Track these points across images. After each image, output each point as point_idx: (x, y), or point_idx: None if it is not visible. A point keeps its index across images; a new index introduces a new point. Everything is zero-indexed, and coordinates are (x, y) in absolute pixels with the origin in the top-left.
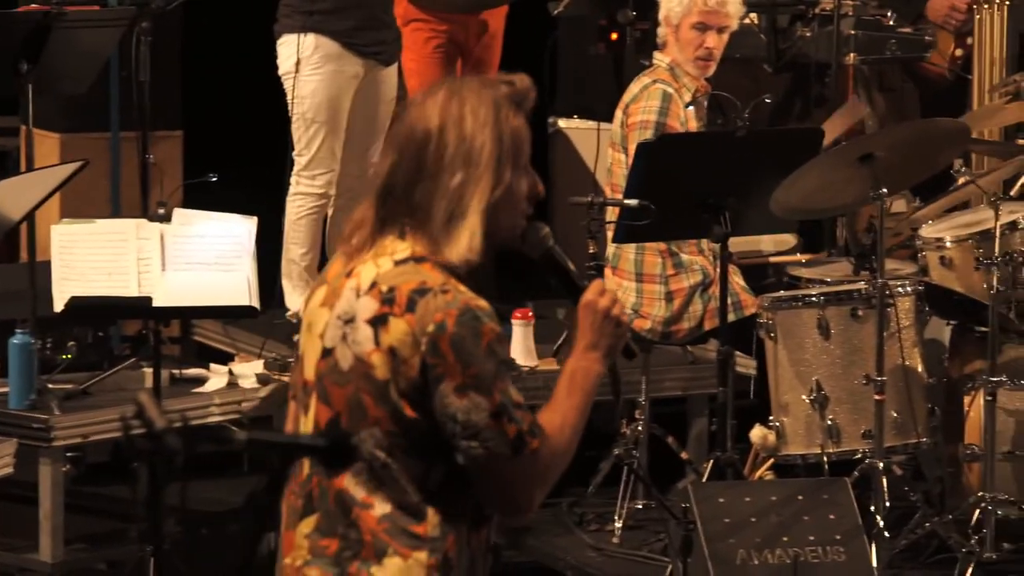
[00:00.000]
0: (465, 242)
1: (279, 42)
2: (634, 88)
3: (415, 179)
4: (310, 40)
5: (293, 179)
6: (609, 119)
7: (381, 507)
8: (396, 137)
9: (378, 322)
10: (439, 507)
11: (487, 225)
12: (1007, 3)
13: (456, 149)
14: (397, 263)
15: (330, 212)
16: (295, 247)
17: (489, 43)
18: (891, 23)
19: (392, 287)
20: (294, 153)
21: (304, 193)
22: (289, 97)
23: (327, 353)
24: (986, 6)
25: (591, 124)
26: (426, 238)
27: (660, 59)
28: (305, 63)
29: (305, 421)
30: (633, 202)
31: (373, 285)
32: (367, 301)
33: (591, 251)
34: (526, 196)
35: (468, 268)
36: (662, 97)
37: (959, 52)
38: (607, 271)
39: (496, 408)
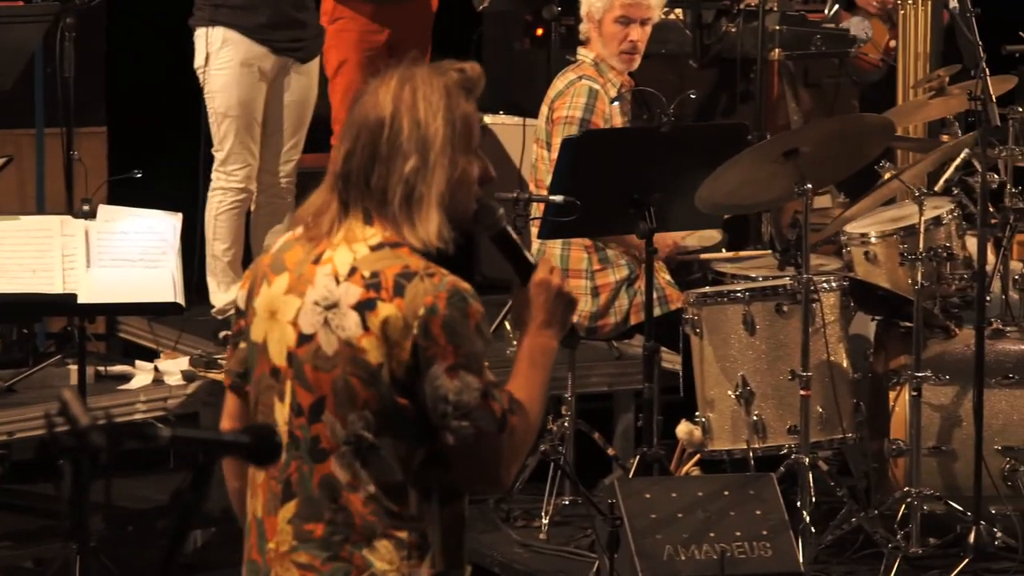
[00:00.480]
0: (429, 227)
1: (194, 37)
2: (559, 84)
3: (370, 165)
4: (218, 34)
5: (213, 175)
6: (534, 115)
7: (365, 489)
8: (351, 124)
9: (365, 307)
10: (418, 486)
11: (444, 209)
12: None
13: (409, 135)
14: (372, 248)
15: (252, 208)
16: (217, 243)
17: (420, 37)
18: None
19: (375, 272)
20: (213, 148)
21: (223, 188)
22: (204, 92)
23: (306, 339)
24: (910, 2)
25: (516, 120)
26: (390, 223)
27: (584, 55)
28: (214, 57)
29: (282, 407)
30: (558, 198)
31: (353, 271)
32: (349, 287)
33: None
34: (477, 179)
35: (430, 252)
36: (587, 93)
37: (893, 43)
38: None
39: (485, 387)
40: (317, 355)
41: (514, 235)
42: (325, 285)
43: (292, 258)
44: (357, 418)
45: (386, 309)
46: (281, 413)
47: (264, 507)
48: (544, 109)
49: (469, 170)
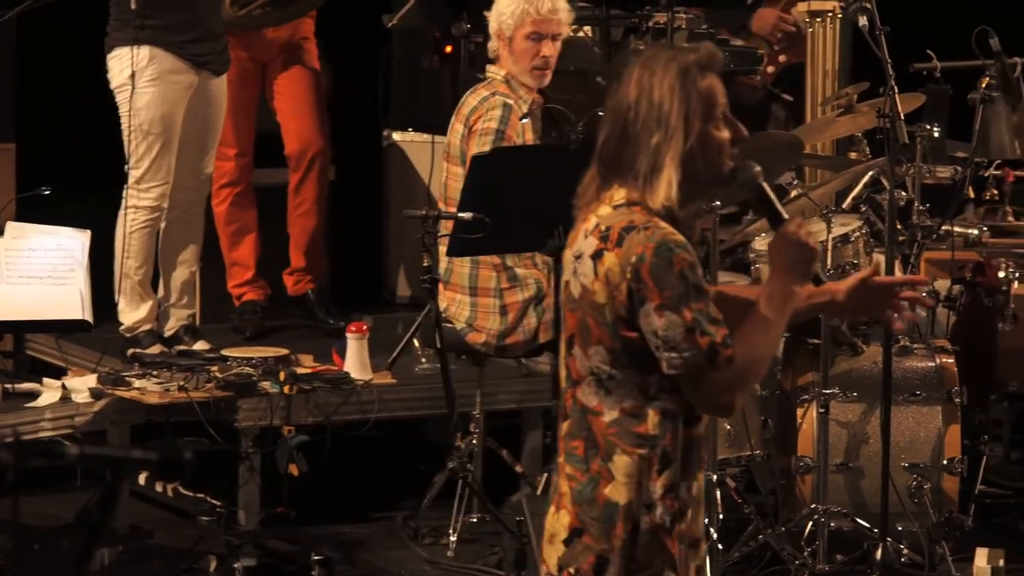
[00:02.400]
0: (663, 191)
1: (110, 55)
2: (472, 101)
3: (622, 144)
4: (144, 52)
5: (126, 192)
6: (444, 132)
7: (610, 413)
8: (608, 112)
9: (597, 256)
10: (657, 409)
11: (684, 173)
12: (839, 17)
13: (648, 114)
14: (615, 207)
15: (162, 226)
16: (130, 261)
17: (295, 52)
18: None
19: (608, 227)
20: (127, 166)
21: (137, 207)
22: (123, 110)
23: (566, 285)
24: (818, 20)
25: (426, 137)
26: (636, 190)
27: (495, 72)
28: (140, 75)
29: (562, 344)
30: (467, 215)
31: (596, 226)
32: (591, 240)
33: (425, 264)
34: (728, 141)
35: (670, 212)
36: (503, 108)
37: (771, 68)
38: (440, 287)
39: (689, 324)
40: (569, 298)
41: (769, 191)
42: (579, 239)
43: (577, 225)
44: (595, 352)
45: (610, 258)
46: (562, 348)
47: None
48: (457, 126)
49: (714, 135)
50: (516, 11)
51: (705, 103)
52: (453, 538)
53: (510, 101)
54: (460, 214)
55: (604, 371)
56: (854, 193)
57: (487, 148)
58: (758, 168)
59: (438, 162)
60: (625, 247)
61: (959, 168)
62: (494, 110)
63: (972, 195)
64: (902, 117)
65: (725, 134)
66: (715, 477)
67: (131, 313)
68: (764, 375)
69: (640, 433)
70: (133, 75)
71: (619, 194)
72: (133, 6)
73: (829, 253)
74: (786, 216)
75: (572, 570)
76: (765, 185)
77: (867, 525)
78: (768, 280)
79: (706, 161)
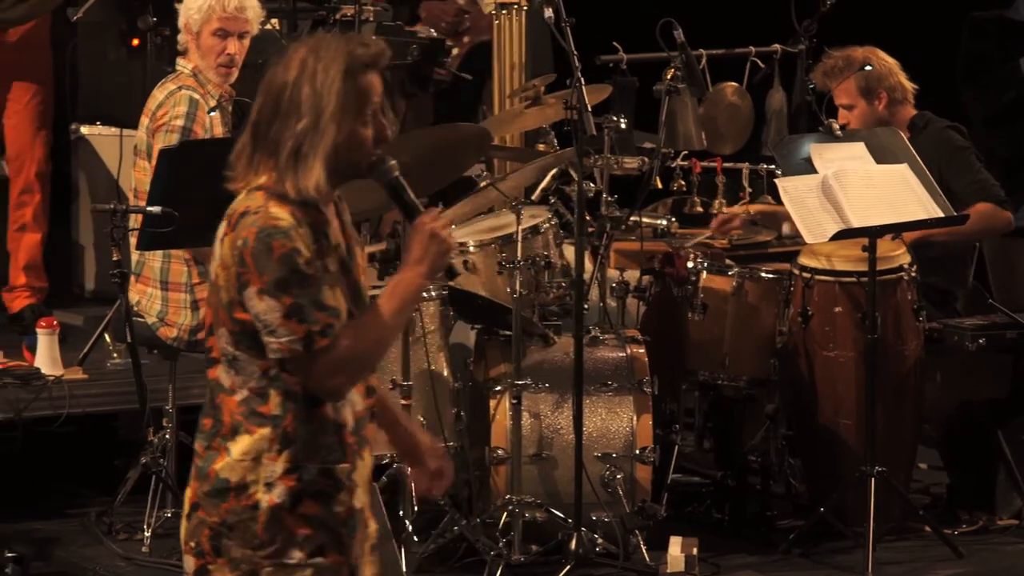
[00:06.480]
0: (309, 180)
1: None
2: (159, 95)
3: (272, 119)
4: None
5: None
6: (132, 125)
7: (240, 393)
8: (265, 81)
9: (222, 240)
10: (279, 389)
11: (330, 165)
12: (525, 8)
13: (305, 98)
14: (248, 192)
15: None
16: None
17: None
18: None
19: (234, 210)
20: None
21: None
22: None
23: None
24: (504, 12)
25: (114, 131)
26: (274, 171)
27: (183, 65)
28: None
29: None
30: (156, 209)
31: (232, 211)
32: (222, 225)
33: (115, 259)
34: (372, 140)
35: (303, 199)
36: (188, 102)
37: (455, 51)
38: (132, 280)
39: (287, 310)
40: (210, 281)
41: (404, 186)
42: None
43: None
44: (224, 333)
45: (227, 242)
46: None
47: None
48: (144, 120)
49: (360, 132)
50: (203, 7)
51: (360, 101)
52: (147, 533)
53: (196, 96)
54: (149, 208)
55: (230, 352)
56: (543, 185)
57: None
58: (394, 162)
59: (127, 155)
60: (237, 231)
61: (646, 159)
62: (179, 106)
63: (660, 186)
64: (589, 109)
65: (370, 132)
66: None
67: None
68: (377, 361)
69: (262, 413)
70: None
71: (257, 178)
72: None
73: (520, 244)
74: (421, 209)
75: (193, 544)
76: (401, 179)
77: (561, 515)
78: (398, 270)
79: (348, 156)
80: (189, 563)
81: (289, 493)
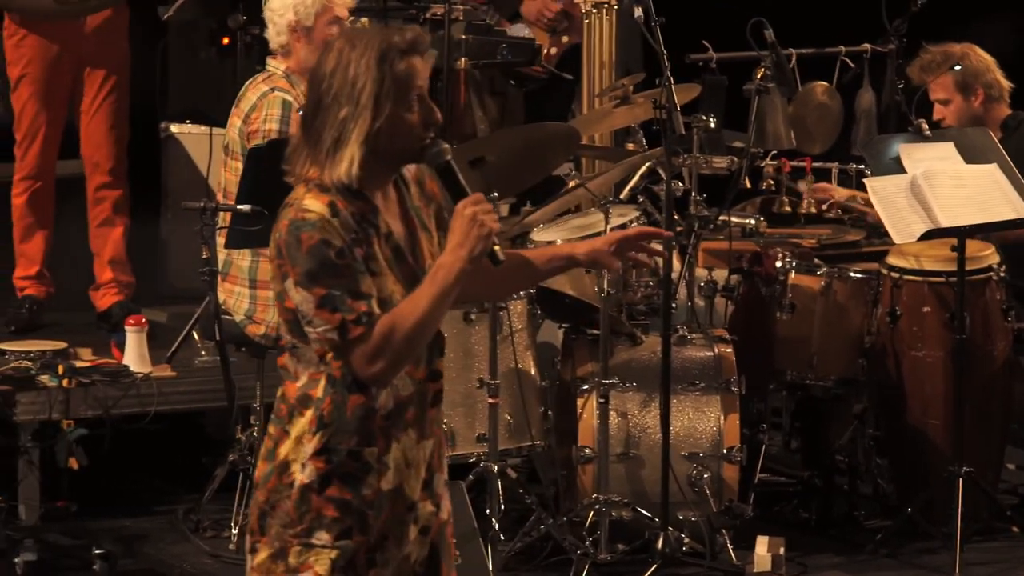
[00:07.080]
0: (343, 167)
1: None
2: (251, 96)
3: (316, 112)
4: None
5: None
6: (221, 124)
7: (301, 379)
8: (309, 76)
9: (274, 234)
10: (325, 374)
11: (369, 150)
12: (616, 7)
13: (341, 88)
14: (297, 185)
15: None
16: None
17: (112, 51)
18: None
19: (283, 204)
20: None
21: None
22: None
23: None
24: (595, 11)
25: (203, 129)
26: (316, 163)
27: (275, 66)
28: None
29: None
30: (245, 207)
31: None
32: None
33: (204, 256)
34: (420, 124)
35: (348, 187)
36: (282, 105)
37: (554, 50)
38: (219, 279)
39: (320, 300)
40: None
41: (455, 168)
42: None
43: None
44: (283, 323)
45: (273, 235)
46: None
47: None
48: (236, 121)
49: (405, 117)
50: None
51: (399, 86)
52: (235, 531)
53: (289, 97)
54: (238, 206)
55: (289, 340)
56: (632, 183)
57: None
58: (446, 146)
59: (216, 154)
60: (277, 224)
61: (735, 159)
62: (272, 109)
63: (749, 185)
64: (678, 108)
65: (416, 116)
66: (496, 468)
67: None
68: (420, 347)
69: (311, 396)
70: None
71: (309, 172)
72: None
73: None
74: (470, 193)
75: (249, 522)
76: (452, 163)
77: (648, 514)
78: (441, 254)
79: (393, 141)
80: (246, 541)
81: (318, 474)
